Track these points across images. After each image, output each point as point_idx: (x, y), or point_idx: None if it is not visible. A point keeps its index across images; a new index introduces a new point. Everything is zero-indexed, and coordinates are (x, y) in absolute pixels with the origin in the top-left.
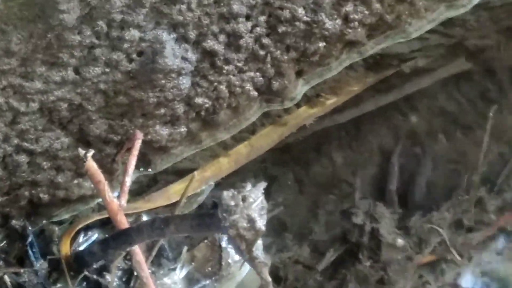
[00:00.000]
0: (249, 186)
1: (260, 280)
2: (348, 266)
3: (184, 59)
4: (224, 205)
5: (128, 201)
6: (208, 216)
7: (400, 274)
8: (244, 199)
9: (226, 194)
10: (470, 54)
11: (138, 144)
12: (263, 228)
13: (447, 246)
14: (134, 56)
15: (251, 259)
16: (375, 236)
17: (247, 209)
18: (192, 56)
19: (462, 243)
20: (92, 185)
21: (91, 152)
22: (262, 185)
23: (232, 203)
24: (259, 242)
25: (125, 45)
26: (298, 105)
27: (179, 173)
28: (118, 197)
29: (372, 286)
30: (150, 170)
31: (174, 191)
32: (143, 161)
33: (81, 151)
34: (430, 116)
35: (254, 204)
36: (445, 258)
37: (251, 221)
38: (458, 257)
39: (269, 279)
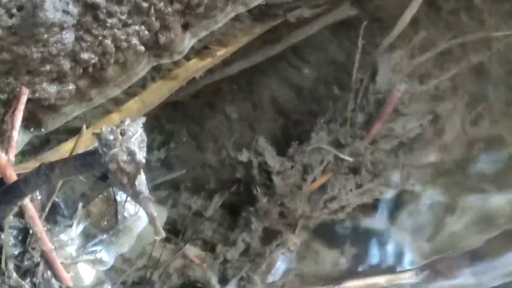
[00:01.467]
0: (127, 121)
1: (146, 215)
2: (245, 208)
3: (66, 12)
4: (103, 140)
5: (21, 162)
6: (89, 154)
7: (296, 202)
8: (123, 133)
9: (105, 129)
10: (356, 1)
11: (24, 99)
12: (143, 160)
13: (336, 162)
14: (14, 11)
15: (135, 194)
16: (264, 169)
17: (126, 142)
18: (73, 9)
19: None
20: None
21: None
22: (141, 119)
23: (111, 137)
24: (142, 177)
25: (4, 0)
26: (187, 58)
27: (71, 132)
28: (6, 152)
29: (275, 220)
30: (41, 130)
31: (66, 149)
32: (34, 121)
33: None
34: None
35: (133, 137)
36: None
37: (131, 153)
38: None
39: (155, 214)
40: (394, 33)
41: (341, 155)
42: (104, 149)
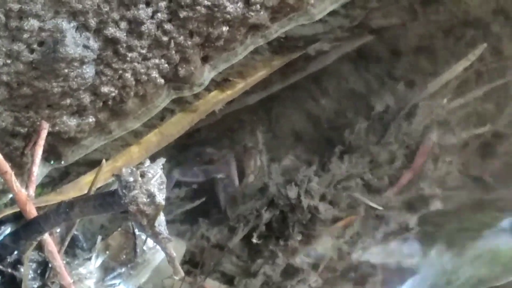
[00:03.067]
0: (147, 162)
1: (165, 256)
2: (270, 240)
3: (86, 47)
4: (123, 182)
5: (40, 195)
6: (109, 195)
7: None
8: (142, 174)
9: (125, 170)
10: (376, 34)
11: (44, 134)
12: (163, 202)
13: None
14: (35, 46)
15: (154, 235)
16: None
17: (146, 184)
18: (94, 44)
19: None
20: (1, 180)
21: None
22: (161, 160)
23: (131, 179)
24: (162, 217)
25: (25, 36)
26: (208, 91)
27: (90, 164)
28: (26, 187)
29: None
30: (61, 162)
31: (85, 182)
32: (54, 153)
33: None
34: (340, 97)
35: (153, 179)
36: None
37: (151, 196)
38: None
39: (174, 254)
40: (442, 80)
41: (372, 204)
42: (124, 190)
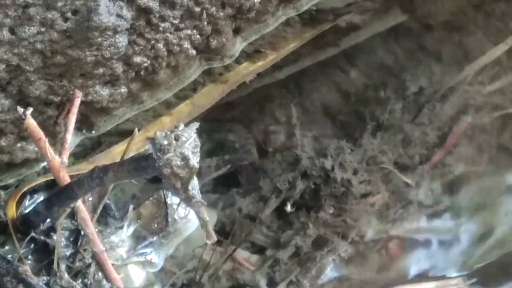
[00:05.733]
0: (181, 126)
1: (198, 220)
2: (302, 211)
3: (119, 16)
4: (158, 145)
5: (73, 164)
6: (143, 159)
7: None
8: (176, 138)
9: (159, 134)
10: (405, 7)
11: (77, 102)
12: (197, 165)
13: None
14: (69, 14)
15: (188, 198)
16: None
17: (180, 147)
18: (127, 13)
19: None
20: (36, 149)
21: (30, 110)
22: (195, 125)
23: (165, 142)
24: (195, 181)
25: (59, 4)
26: (238, 62)
27: (122, 134)
28: (60, 154)
29: (331, 228)
30: (93, 132)
31: (117, 152)
32: (86, 123)
33: (20, 109)
34: (370, 71)
35: (187, 142)
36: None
37: (185, 159)
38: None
39: (207, 218)
40: (479, 63)
41: (405, 179)
42: (158, 153)
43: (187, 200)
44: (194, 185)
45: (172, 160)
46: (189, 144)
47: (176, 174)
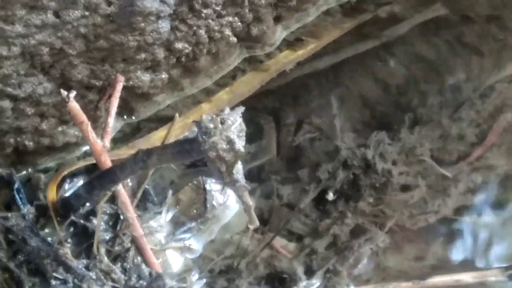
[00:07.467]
0: (227, 110)
1: (242, 204)
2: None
3: (163, 1)
4: (203, 128)
5: (112, 149)
6: (188, 142)
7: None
8: (222, 121)
9: (205, 117)
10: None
11: (119, 86)
12: (242, 149)
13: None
14: None
15: (232, 182)
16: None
17: (226, 131)
18: None
19: None
20: (76, 133)
21: (73, 93)
22: (240, 109)
23: (211, 125)
24: (239, 166)
25: None
26: (279, 50)
27: (162, 120)
28: (102, 138)
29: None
30: (133, 117)
31: (157, 137)
32: (126, 108)
33: (63, 92)
34: (409, 62)
35: (232, 126)
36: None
37: (230, 142)
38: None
39: (250, 202)
40: None
41: (445, 172)
42: (204, 136)
43: (231, 184)
44: (239, 169)
45: (217, 143)
46: (235, 128)
47: (222, 158)
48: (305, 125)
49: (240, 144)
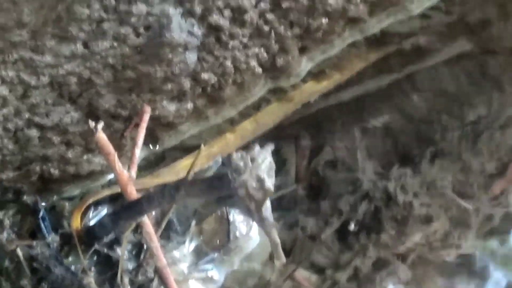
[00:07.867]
0: (257, 148)
1: (269, 241)
2: (362, 233)
3: (190, 33)
4: (234, 165)
5: (137, 177)
6: (217, 178)
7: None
8: (252, 159)
9: (236, 155)
10: (471, 32)
11: (146, 117)
12: (272, 188)
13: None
14: (142, 30)
15: (261, 220)
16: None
17: (256, 169)
18: (198, 30)
19: None
20: (101, 161)
21: (101, 124)
22: (270, 146)
23: (241, 163)
24: (268, 203)
25: (133, 19)
26: (304, 81)
27: (186, 149)
28: (128, 168)
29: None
30: (157, 146)
31: (182, 167)
32: (151, 137)
33: (91, 123)
34: (431, 94)
35: (262, 164)
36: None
37: (260, 181)
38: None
39: (278, 240)
40: None
41: (466, 205)
42: (234, 174)
43: (260, 221)
44: (267, 207)
45: (247, 182)
46: (265, 166)
47: (251, 196)
48: (326, 150)
49: (270, 183)
